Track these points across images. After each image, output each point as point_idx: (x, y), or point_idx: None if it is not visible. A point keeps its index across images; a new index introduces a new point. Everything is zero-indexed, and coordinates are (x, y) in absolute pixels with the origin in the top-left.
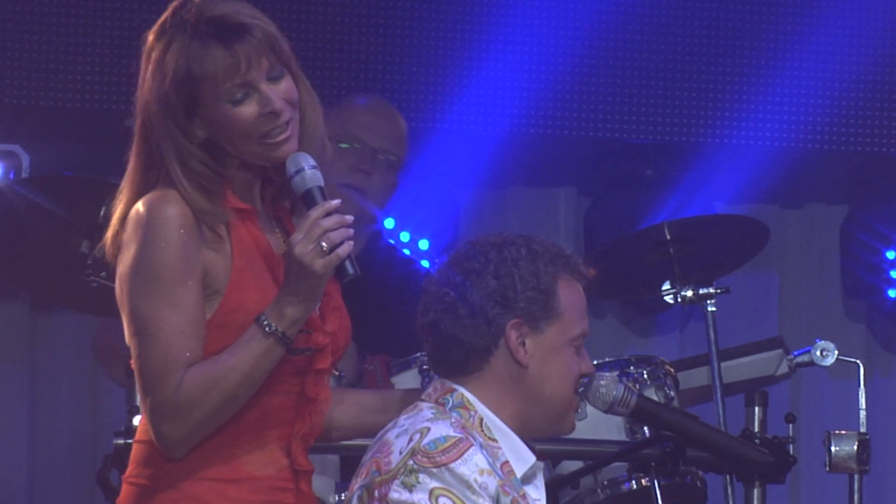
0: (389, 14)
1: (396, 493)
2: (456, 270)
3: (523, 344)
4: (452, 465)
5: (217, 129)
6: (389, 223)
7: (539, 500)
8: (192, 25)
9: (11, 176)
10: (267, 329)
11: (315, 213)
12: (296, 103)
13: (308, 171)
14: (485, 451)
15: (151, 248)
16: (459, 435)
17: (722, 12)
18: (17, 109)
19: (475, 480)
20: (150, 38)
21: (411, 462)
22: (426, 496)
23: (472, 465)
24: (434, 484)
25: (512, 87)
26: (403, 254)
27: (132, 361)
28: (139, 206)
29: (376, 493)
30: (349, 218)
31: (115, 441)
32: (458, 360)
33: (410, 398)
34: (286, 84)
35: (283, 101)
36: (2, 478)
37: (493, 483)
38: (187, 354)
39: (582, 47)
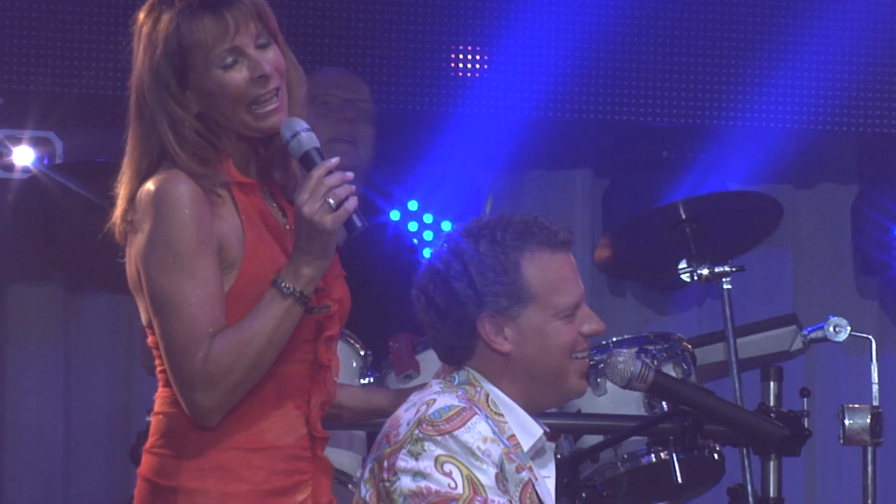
0: (414, 4)
1: (403, 461)
2: (427, 273)
3: (500, 332)
4: (456, 432)
5: (208, 100)
6: (395, 215)
7: (549, 476)
8: None
9: (46, 162)
10: (285, 290)
11: (317, 172)
12: (283, 73)
13: (303, 133)
14: (489, 421)
15: (166, 225)
16: (463, 404)
17: (736, 3)
18: (51, 97)
19: (478, 448)
20: (141, 15)
21: (417, 431)
22: (432, 463)
23: (476, 432)
24: (439, 451)
25: (531, 73)
26: (410, 242)
27: (152, 339)
28: (149, 185)
29: (385, 464)
30: (350, 174)
31: (147, 418)
32: (448, 354)
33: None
34: (274, 53)
35: (271, 67)
36: (39, 452)
37: (496, 450)
38: (210, 330)
39: (599, 34)
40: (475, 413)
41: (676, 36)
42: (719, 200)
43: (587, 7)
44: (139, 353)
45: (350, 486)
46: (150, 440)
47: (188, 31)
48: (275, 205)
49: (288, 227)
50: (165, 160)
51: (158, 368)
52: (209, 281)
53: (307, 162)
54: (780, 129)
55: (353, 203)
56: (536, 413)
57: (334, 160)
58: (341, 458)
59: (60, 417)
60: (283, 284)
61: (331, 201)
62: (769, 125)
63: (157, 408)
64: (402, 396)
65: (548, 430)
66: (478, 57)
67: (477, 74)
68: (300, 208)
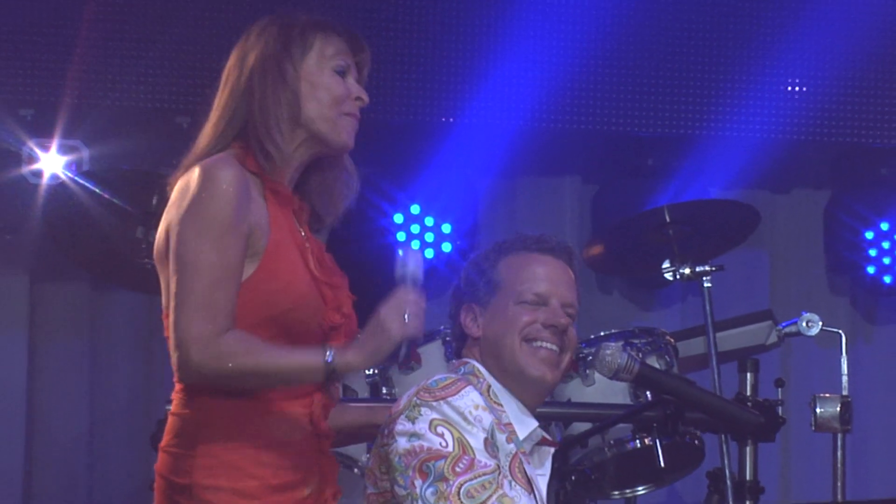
0: (416, 24)
1: (401, 425)
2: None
3: (476, 320)
4: (450, 398)
5: (308, 88)
6: (399, 218)
7: (544, 475)
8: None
9: (73, 169)
10: (327, 356)
11: (409, 293)
12: None
13: (418, 268)
14: (482, 396)
15: (209, 196)
16: (458, 377)
17: (715, 18)
18: (80, 109)
19: (470, 413)
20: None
21: (415, 398)
22: (426, 426)
23: (469, 400)
24: (433, 415)
25: (524, 87)
26: (390, 239)
27: (165, 300)
28: (196, 168)
29: (386, 431)
30: (423, 305)
31: (167, 407)
32: (455, 346)
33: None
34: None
35: (365, 101)
36: (65, 438)
37: (487, 418)
38: (226, 305)
39: (588, 50)
40: (468, 384)
41: (661, 52)
42: (701, 206)
43: (578, 25)
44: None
45: (356, 469)
46: (166, 439)
47: (323, 34)
48: (300, 228)
49: (307, 245)
50: (231, 143)
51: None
52: (233, 257)
53: (405, 281)
54: (757, 138)
55: (418, 333)
56: (530, 411)
57: (423, 297)
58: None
59: (85, 407)
60: (330, 352)
61: (406, 318)
62: (747, 135)
63: (172, 408)
64: (373, 411)
65: (547, 436)
66: (474, 71)
67: (474, 88)
68: (380, 309)
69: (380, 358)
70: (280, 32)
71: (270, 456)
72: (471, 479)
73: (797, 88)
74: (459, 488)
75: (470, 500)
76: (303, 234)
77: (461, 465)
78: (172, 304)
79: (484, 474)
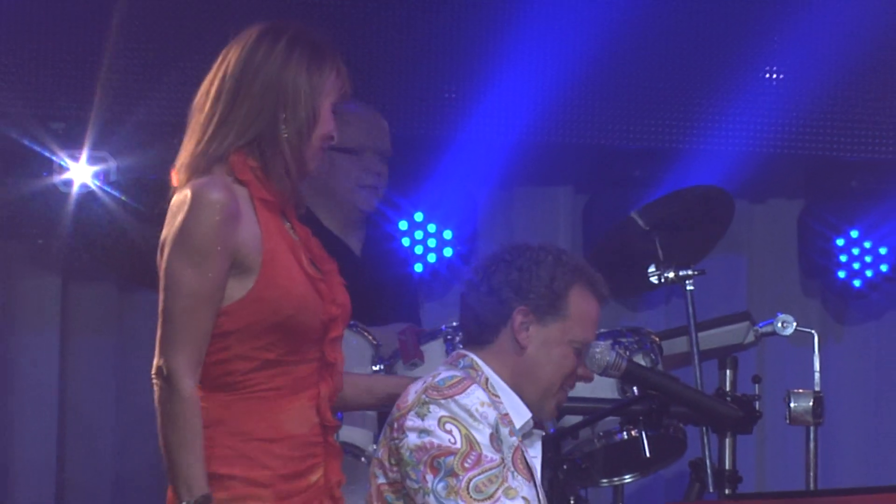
0: (420, 47)
1: (411, 421)
2: (493, 257)
3: (526, 329)
4: (457, 397)
5: (301, 116)
6: (403, 225)
7: (536, 457)
8: None
9: (102, 179)
10: (197, 499)
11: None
12: None
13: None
14: (486, 392)
15: (195, 223)
16: (463, 375)
17: (696, 41)
18: (108, 122)
19: (476, 410)
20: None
21: (424, 396)
22: (435, 422)
23: (475, 398)
24: (442, 413)
25: (520, 104)
26: (405, 255)
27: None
28: (187, 189)
29: (395, 425)
30: None
31: None
32: (474, 329)
33: (394, 382)
34: None
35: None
36: (94, 430)
37: (492, 414)
38: (204, 328)
39: (578, 71)
40: (473, 382)
41: (646, 73)
42: (671, 201)
43: (570, 47)
44: None
45: (363, 458)
46: None
47: (328, 64)
48: (287, 223)
49: (298, 240)
50: (227, 158)
51: None
52: (213, 281)
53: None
54: (736, 151)
55: None
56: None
57: None
58: (354, 433)
59: (113, 401)
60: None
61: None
62: (727, 148)
63: None
64: (377, 392)
65: (539, 421)
66: (475, 89)
67: (474, 104)
68: None
69: None
70: (291, 54)
71: (281, 448)
72: (479, 474)
73: (775, 105)
74: (468, 483)
75: (478, 494)
76: (291, 230)
77: (469, 460)
78: (160, 318)
79: (490, 469)
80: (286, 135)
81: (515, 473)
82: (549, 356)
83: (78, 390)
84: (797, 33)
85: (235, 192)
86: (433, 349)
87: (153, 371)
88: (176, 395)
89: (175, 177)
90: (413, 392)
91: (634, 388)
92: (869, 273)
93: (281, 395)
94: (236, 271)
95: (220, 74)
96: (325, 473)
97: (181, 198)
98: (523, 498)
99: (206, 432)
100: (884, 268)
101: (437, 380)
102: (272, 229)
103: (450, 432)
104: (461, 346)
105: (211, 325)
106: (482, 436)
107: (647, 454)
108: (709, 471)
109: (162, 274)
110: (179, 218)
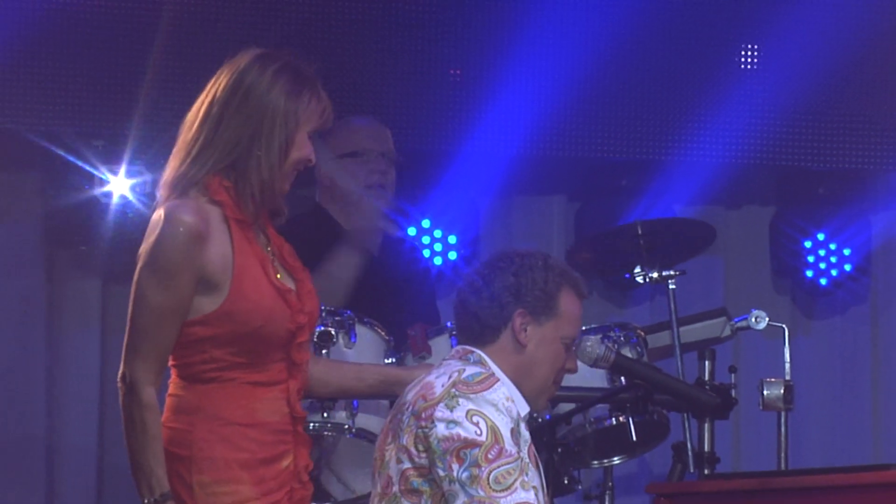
0: (425, 67)
1: (441, 412)
2: (487, 265)
3: (525, 329)
4: (485, 392)
5: (282, 143)
6: (412, 231)
7: (527, 441)
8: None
9: (139, 191)
10: (159, 496)
11: None
12: None
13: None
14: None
15: (164, 243)
16: (489, 372)
17: (678, 62)
18: (145, 139)
19: (502, 404)
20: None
21: (453, 390)
22: (464, 415)
23: (500, 393)
24: (470, 406)
25: (518, 120)
26: (420, 254)
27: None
28: (162, 209)
29: (423, 415)
30: None
31: None
32: (476, 331)
33: (383, 371)
34: None
35: None
36: (76, 425)
37: (514, 409)
38: (166, 343)
39: (571, 88)
40: (498, 379)
41: (632, 90)
42: (668, 223)
43: (562, 65)
44: None
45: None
46: (166, 415)
47: (307, 91)
48: (262, 236)
49: (269, 249)
50: (203, 182)
51: (170, 362)
52: (178, 297)
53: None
54: (714, 162)
55: None
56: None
57: None
58: (370, 420)
59: (97, 392)
60: (161, 496)
61: None
62: (705, 159)
63: (171, 390)
64: (366, 379)
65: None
66: (477, 107)
67: (476, 121)
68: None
69: None
70: (278, 83)
71: (255, 433)
72: (499, 466)
73: (750, 116)
74: (489, 474)
75: (497, 485)
76: (267, 243)
77: (492, 452)
78: (127, 327)
79: (510, 462)
80: (258, 161)
81: (530, 465)
82: (545, 353)
83: (117, 382)
84: (771, 53)
85: (207, 214)
86: (439, 343)
87: (118, 377)
88: (137, 400)
89: (159, 192)
90: (440, 385)
91: (622, 378)
92: (834, 272)
93: (255, 388)
94: (205, 288)
95: (209, 98)
96: (295, 459)
97: (157, 217)
98: (534, 487)
99: (187, 418)
100: (848, 267)
101: (464, 375)
102: (244, 247)
103: (477, 424)
104: (461, 342)
105: (174, 336)
106: (505, 430)
107: (634, 438)
108: (690, 453)
109: (133, 286)
110: (152, 238)
